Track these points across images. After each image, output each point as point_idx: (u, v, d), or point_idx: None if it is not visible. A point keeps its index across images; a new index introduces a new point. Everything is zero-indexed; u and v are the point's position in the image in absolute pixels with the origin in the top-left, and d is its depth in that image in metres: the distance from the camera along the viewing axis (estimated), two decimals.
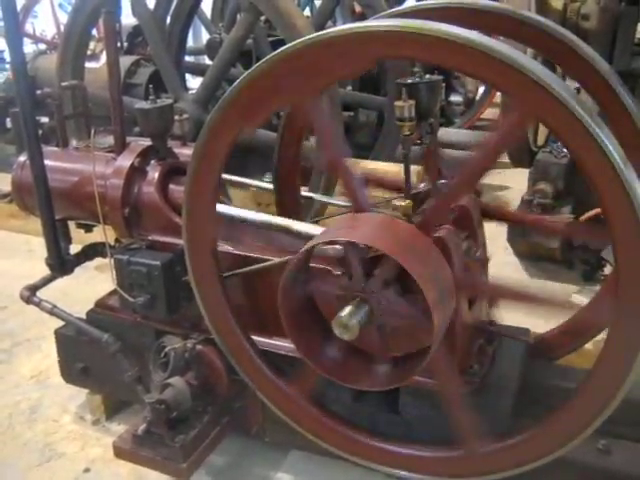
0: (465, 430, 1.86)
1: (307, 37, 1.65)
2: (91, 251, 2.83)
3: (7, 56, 2.48)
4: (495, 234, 3.53)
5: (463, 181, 1.73)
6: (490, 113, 7.66)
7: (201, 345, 2.36)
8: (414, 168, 1.98)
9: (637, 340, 1.55)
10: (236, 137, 1.86)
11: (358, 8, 6.77)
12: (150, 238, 2.46)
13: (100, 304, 2.71)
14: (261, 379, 2.16)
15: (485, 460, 1.90)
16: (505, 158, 5.01)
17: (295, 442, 2.40)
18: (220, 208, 2.13)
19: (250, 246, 2.32)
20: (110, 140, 2.65)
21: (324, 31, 1.65)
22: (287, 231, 2.18)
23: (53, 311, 2.72)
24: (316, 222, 2.71)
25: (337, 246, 1.81)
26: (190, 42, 6.48)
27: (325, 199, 2.94)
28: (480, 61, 1.49)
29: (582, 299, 3.65)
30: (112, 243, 2.60)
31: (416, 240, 1.71)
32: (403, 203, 1.78)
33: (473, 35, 1.50)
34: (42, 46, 7.66)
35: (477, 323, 2.10)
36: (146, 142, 2.55)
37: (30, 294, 2.74)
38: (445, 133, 6.04)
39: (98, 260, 2.87)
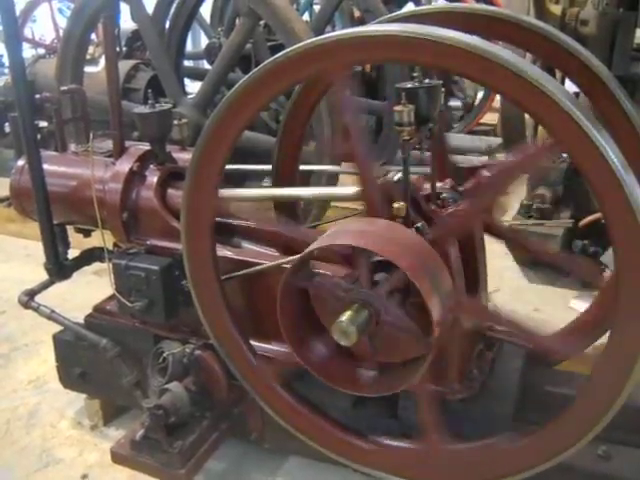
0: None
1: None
2: (89, 256, 2.83)
3: (6, 60, 2.47)
4: (494, 240, 3.52)
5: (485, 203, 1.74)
6: (489, 118, 7.67)
7: (200, 350, 2.35)
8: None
9: (637, 345, 1.55)
10: (236, 140, 1.86)
11: (357, 13, 6.78)
12: (149, 243, 2.46)
13: (98, 309, 2.70)
14: (260, 385, 2.15)
15: (483, 467, 1.89)
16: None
17: (294, 448, 2.39)
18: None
19: (249, 251, 2.32)
20: (109, 144, 2.64)
21: (324, 35, 1.65)
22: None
23: (51, 316, 2.72)
24: (314, 227, 2.71)
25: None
26: (189, 46, 6.48)
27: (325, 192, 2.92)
28: (480, 65, 1.49)
29: (581, 304, 3.65)
30: (110, 248, 2.60)
31: (430, 258, 1.70)
32: (398, 205, 1.78)
33: (473, 40, 1.50)
34: (41, 50, 7.67)
35: (476, 328, 2.09)
36: (145, 147, 2.55)
37: (28, 299, 2.73)
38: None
39: (96, 265, 2.86)
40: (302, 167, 2.70)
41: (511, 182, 1.77)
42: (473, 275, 2.02)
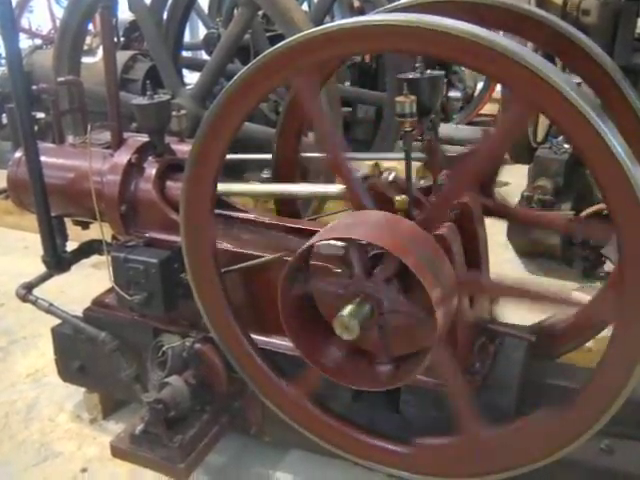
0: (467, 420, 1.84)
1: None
2: (88, 248, 2.81)
3: (3, 51, 2.46)
4: (495, 231, 3.51)
5: (464, 178, 1.71)
6: (489, 109, 7.65)
7: (199, 343, 2.34)
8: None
9: None
10: (235, 131, 1.84)
11: (357, 3, 6.76)
12: (147, 235, 2.44)
13: (97, 302, 2.69)
14: (260, 378, 2.14)
15: (486, 460, 1.88)
16: (505, 154, 5.00)
17: (295, 442, 2.38)
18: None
19: (249, 243, 2.30)
20: (107, 136, 2.63)
21: (323, 26, 1.63)
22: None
23: (50, 309, 2.70)
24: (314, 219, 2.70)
25: (337, 244, 1.79)
26: (187, 37, 6.45)
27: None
28: (482, 55, 1.47)
29: (582, 296, 3.63)
30: (109, 240, 2.58)
31: (417, 237, 1.69)
32: (399, 198, 1.76)
33: (475, 29, 1.48)
34: (38, 41, 7.63)
35: (479, 321, 2.08)
36: (143, 138, 2.53)
37: (26, 292, 2.72)
38: (444, 129, 6.03)
39: (95, 257, 2.84)
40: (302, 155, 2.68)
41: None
42: (474, 254, 2.02)
